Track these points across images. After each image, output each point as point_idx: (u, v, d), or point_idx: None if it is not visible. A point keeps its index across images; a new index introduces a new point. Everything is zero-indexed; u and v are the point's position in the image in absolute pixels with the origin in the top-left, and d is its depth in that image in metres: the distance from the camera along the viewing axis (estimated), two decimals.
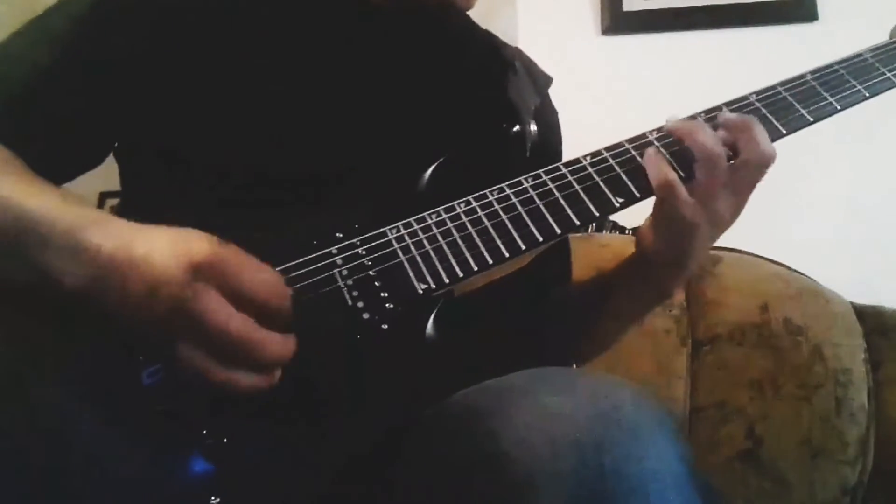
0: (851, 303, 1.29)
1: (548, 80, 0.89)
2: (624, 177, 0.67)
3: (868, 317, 1.27)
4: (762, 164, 0.66)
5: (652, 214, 0.68)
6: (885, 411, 1.20)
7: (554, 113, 0.91)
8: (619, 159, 0.68)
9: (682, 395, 1.23)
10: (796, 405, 1.20)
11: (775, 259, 1.34)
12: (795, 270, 1.32)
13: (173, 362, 0.52)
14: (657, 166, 0.65)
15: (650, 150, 0.66)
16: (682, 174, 0.66)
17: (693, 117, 0.70)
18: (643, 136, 0.70)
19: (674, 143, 0.68)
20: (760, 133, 0.66)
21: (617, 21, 1.57)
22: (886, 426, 1.20)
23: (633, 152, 0.68)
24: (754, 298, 1.26)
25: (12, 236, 0.57)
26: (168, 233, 0.54)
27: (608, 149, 0.69)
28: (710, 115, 0.70)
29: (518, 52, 0.89)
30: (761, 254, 1.35)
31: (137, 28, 0.72)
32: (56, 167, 0.66)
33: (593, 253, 1.20)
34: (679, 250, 0.68)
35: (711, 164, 0.64)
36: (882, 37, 0.82)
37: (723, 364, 1.24)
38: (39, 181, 0.62)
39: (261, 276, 0.54)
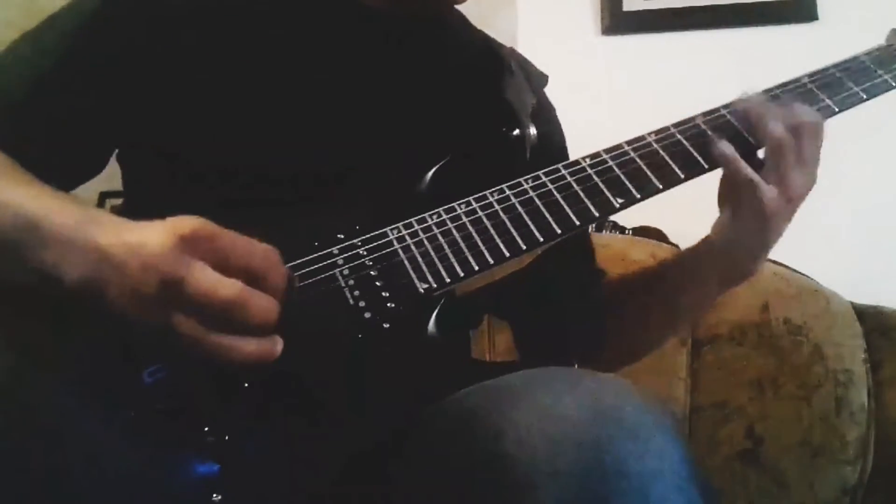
0: (851, 303, 1.29)
1: (543, 79, 0.89)
2: (623, 178, 0.68)
3: (868, 317, 1.27)
4: (817, 130, 0.69)
5: (729, 209, 0.70)
6: (885, 411, 1.20)
7: (551, 109, 0.92)
8: (619, 161, 0.69)
9: (682, 395, 1.23)
10: (796, 405, 1.20)
11: (775, 259, 1.34)
12: (795, 270, 1.32)
13: (172, 339, 0.52)
14: (735, 165, 0.67)
15: (725, 149, 0.68)
16: (682, 175, 0.67)
17: (667, 129, 0.71)
18: (642, 137, 0.70)
19: (673, 144, 0.68)
20: (801, 107, 0.69)
21: (617, 21, 1.57)
22: (886, 426, 1.20)
23: (633, 153, 0.69)
24: (754, 298, 1.26)
25: (11, 238, 0.57)
26: (160, 222, 0.55)
27: (607, 150, 0.70)
28: (686, 127, 0.72)
29: (513, 52, 0.89)
30: None
31: (139, 32, 0.72)
32: (58, 173, 0.66)
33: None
34: (763, 236, 0.72)
35: (782, 149, 0.67)
36: (882, 37, 0.82)
37: (723, 364, 1.24)
38: (37, 183, 0.62)
39: (250, 246, 0.55)
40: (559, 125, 0.92)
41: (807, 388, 1.20)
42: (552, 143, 0.86)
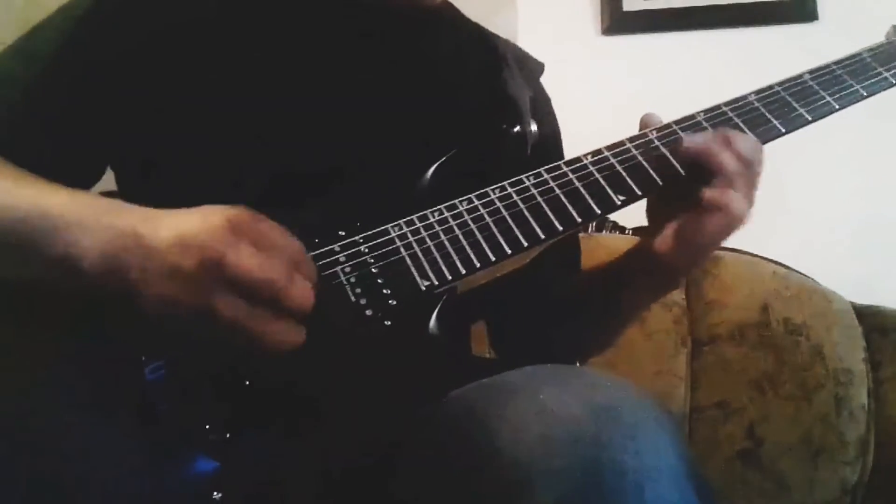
0: (851, 303, 1.29)
1: (539, 68, 0.89)
2: (625, 174, 0.67)
3: (868, 317, 1.27)
4: (757, 161, 0.67)
5: (676, 224, 0.68)
6: (885, 411, 1.20)
7: (547, 100, 0.91)
8: (620, 157, 0.68)
9: (682, 395, 1.23)
10: (796, 405, 1.20)
11: (775, 259, 1.35)
12: (795, 270, 1.33)
13: (210, 317, 0.52)
14: (716, 195, 0.65)
15: (716, 185, 0.66)
16: (682, 172, 0.67)
17: (669, 126, 0.70)
18: (644, 134, 0.70)
19: (673, 141, 0.69)
20: (741, 138, 0.67)
21: (617, 21, 1.57)
22: (886, 426, 1.20)
23: (634, 150, 0.69)
24: (754, 298, 1.26)
25: (26, 230, 0.57)
26: (186, 209, 0.56)
27: (609, 147, 0.69)
28: (686, 125, 0.71)
29: (507, 44, 0.89)
30: (761, 254, 1.35)
31: (133, 35, 0.71)
32: (56, 180, 0.65)
33: (593, 252, 1.20)
34: (700, 255, 0.70)
35: (730, 180, 0.65)
36: (880, 37, 0.82)
37: (723, 364, 1.24)
38: (45, 182, 0.62)
39: (290, 239, 0.56)
40: (554, 115, 0.91)
41: (807, 388, 1.20)
42: (548, 136, 0.86)
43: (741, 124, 0.71)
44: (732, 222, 0.66)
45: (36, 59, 0.72)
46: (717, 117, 0.71)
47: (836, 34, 1.46)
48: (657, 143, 0.69)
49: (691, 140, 0.67)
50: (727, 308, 1.26)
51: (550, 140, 0.87)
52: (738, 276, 1.30)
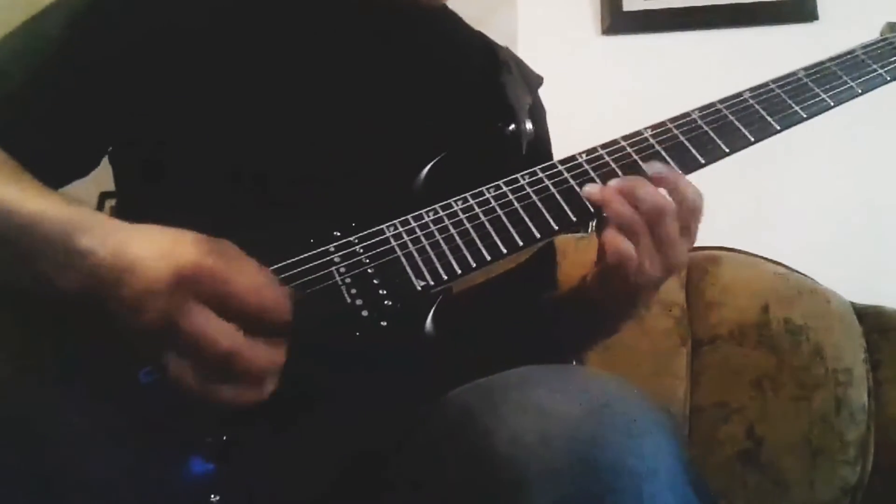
0: (851, 303, 1.29)
1: (538, 80, 0.89)
2: (619, 172, 0.67)
3: (868, 317, 1.27)
4: (696, 208, 0.65)
5: (598, 274, 0.68)
6: (885, 411, 1.20)
7: (543, 113, 0.91)
8: (616, 156, 0.68)
9: (682, 395, 1.23)
10: (796, 405, 1.20)
11: (775, 259, 1.34)
12: (795, 270, 1.33)
13: (163, 373, 0.52)
14: (614, 243, 0.63)
15: (608, 232, 0.64)
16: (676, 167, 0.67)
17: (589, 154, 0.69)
18: (639, 132, 0.70)
19: (669, 139, 0.69)
20: (682, 181, 0.66)
21: (617, 21, 1.57)
22: (886, 426, 1.20)
23: (630, 149, 0.68)
24: (754, 298, 1.26)
25: (9, 239, 0.56)
26: (158, 237, 0.53)
27: (604, 146, 0.69)
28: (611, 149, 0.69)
29: (509, 52, 0.89)
30: (761, 254, 1.35)
31: (133, 29, 0.71)
32: (51, 167, 0.65)
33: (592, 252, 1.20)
34: (631, 303, 0.70)
35: (661, 218, 0.63)
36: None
37: (723, 364, 1.24)
38: (36, 184, 0.61)
39: (251, 281, 0.53)
40: (547, 129, 0.91)
41: (807, 388, 1.20)
42: (542, 143, 0.86)
43: (710, 133, 0.70)
44: (629, 273, 0.63)
45: (43, 40, 0.71)
46: (666, 133, 0.71)
47: (836, 34, 1.46)
48: (651, 140, 0.69)
49: (588, 190, 0.65)
50: (727, 308, 1.26)
51: (542, 148, 0.87)
52: (738, 276, 1.30)
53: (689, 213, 0.65)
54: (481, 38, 0.90)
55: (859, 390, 1.20)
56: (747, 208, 1.47)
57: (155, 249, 0.52)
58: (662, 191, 0.65)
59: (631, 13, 1.57)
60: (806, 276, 1.32)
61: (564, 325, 0.82)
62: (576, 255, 1.07)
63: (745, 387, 1.22)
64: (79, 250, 0.53)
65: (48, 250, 0.54)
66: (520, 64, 0.88)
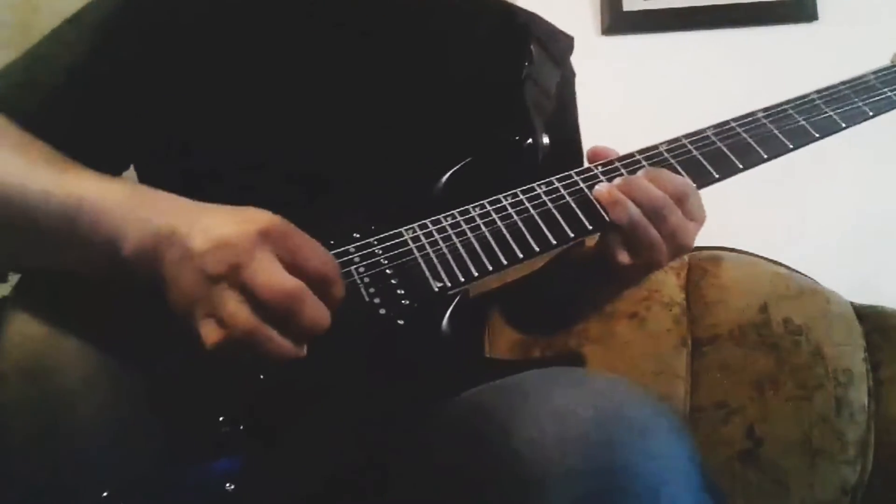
0: (851, 303, 1.29)
1: (567, 45, 0.90)
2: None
3: (868, 317, 1.27)
4: (685, 195, 0.68)
5: (625, 247, 0.69)
6: (885, 411, 1.20)
7: (571, 82, 0.92)
8: (630, 169, 0.70)
9: (682, 395, 1.23)
10: (796, 405, 1.20)
11: (775, 259, 1.34)
12: (795, 270, 1.33)
13: (212, 314, 0.52)
14: (613, 251, 0.68)
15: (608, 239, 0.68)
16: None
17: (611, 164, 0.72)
18: (654, 146, 0.72)
19: (684, 153, 0.71)
20: (665, 175, 0.68)
21: (617, 21, 1.57)
22: (886, 426, 1.20)
23: (645, 163, 0.71)
24: (754, 298, 1.26)
25: (61, 218, 0.57)
26: (229, 208, 0.56)
27: (620, 159, 0.71)
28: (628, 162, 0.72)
29: (536, 21, 0.89)
30: (761, 254, 1.35)
31: (156, 32, 0.72)
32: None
33: None
34: (643, 275, 0.72)
35: (665, 211, 0.67)
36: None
37: (723, 364, 1.24)
38: (86, 169, 0.62)
39: (318, 250, 0.56)
40: (574, 97, 0.93)
41: (807, 388, 1.20)
42: (568, 119, 0.88)
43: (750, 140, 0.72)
44: (614, 269, 0.68)
45: (78, 41, 0.71)
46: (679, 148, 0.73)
47: (836, 34, 1.46)
48: (666, 154, 0.72)
49: (598, 189, 0.68)
50: (727, 308, 1.26)
51: (570, 124, 0.89)
52: (738, 276, 1.30)
53: (685, 198, 0.68)
54: (506, 12, 0.89)
55: (859, 390, 1.21)
56: (747, 208, 1.47)
57: (228, 213, 0.55)
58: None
59: (631, 13, 1.57)
60: (806, 276, 1.32)
61: (579, 281, 0.84)
62: None
63: (745, 387, 1.22)
64: (143, 215, 0.55)
65: (109, 217, 0.56)
66: (548, 34, 0.88)
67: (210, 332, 0.52)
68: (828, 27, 1.52)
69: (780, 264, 1.33)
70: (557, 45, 0.88)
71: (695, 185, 0.70)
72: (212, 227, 0.53)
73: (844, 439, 1.18)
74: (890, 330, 1.25)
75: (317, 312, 0.53)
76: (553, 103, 0.82)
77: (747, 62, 1.48)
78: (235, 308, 0.52)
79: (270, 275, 0.52)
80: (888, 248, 1.47)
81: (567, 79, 0.91)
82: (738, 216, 1.43)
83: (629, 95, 1.50)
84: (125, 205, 0.56)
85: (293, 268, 0.53)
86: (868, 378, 1.22)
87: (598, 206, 0.67)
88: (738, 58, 1.50)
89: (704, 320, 1.27)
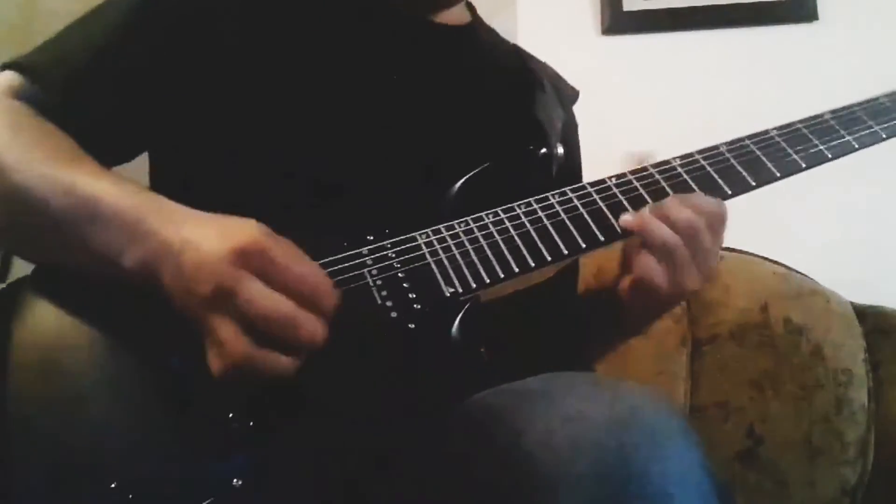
0: (851, 303, 1.29)
1: (574, 96, 0.91)
2: (647, 198, 0.70)
3: (868, 317, 1.27)
4: (721, 219, 0.69)
5: (631, 287, 0.69)
6: (885, 411, 1.20)
7: (575, 129, 0.93)
8: (644, 181, 0.71)
9: (682, 395, 1.23)
10: (796, 405, 1.20)
11: (775, 259, 1.34)
12: (795, 270, 1.33)
13: (211, 340, 0.54)
14: (647, 267, 0.67)
15: (642, 257, 0.67)
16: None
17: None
18: (667, 161, 0.73)
19: (697, 169, 0.72)
20: (701, 198, 0.69)
21: (617, 21, 1.57)
22: (886, 426, 1.20)
23: (657, 175, 0.71)
24: (754, 298, 1.26)
25: (76, 218, 0.59)
26: (219, 219, 0.57)
27: (633, 172, 0.72)
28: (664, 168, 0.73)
29: (545, 67, 0.91)
30: (761, 254, 1.35)
31: (179, 25, 0.72)
32: (95, 150, 0.66)
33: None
34: (662, 310, 0.73)
35: (697, 234, 0.67)
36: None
37: (723, 364, 1.24)
38: (99, 167, 0.64)
39: (305, 268, 0.56)
40: (578, 145, 0.93)
41: (807, 388, 1.20)
42: (571, 161, 0.88)
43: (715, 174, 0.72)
44: (652, 293, 0.67)
45: (103, 28, 0.73)
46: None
47: (836, 34, 1.46)
48: (679, 169, 0.72)
49: (625, 218, 0.68)
50: (727, 308, 1.26)
51: (574, 166, 0.89)
52: (738, 276, 1.30)
53: (718, 223, 0.69)
54: (517, 52, 0.92)
55: (859, 390, 1.21)
56: (747, 208, 1.47)
57: (215, 229, 0.56)
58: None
59: (631, 13, 1.57)
60: (806, 276, 1.32)
61: (591, 324, 0.84)
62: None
63: (745, 387, 1.22)
64: (144, 231, 0.57)
65: (116, 231, 0.58)
66: (556, 79, 0.90)
67: (213, 361, 0.54)
68: (828, 27, 1.52)
69: (780, 264, 1.33)
70: (564, 91, 0.90)
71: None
72: (195, 242, 0.55)
73: (844, 439, 1.18)
74: (890, 330, 1.25)
75: (312, 328, 0.54)
76: (559, 136, 0.82)
77: (747, 62, 1.48)
78: (229, 336, 0.53)
79: (261, 300, 0.53)
80: (888, 248, 1.47)
81: (572, 125, 0.92)
82: (738, 216, 1.43)
83: (629, 95, 1.50)
84: (131, 217, 0.58)
85: (279, 285, 0.54)
86: (868, 378, 1.22)
87: (611, 218, 0.68)
88: (738, 58, 1.50)
89: (704, 320, 1.27)
